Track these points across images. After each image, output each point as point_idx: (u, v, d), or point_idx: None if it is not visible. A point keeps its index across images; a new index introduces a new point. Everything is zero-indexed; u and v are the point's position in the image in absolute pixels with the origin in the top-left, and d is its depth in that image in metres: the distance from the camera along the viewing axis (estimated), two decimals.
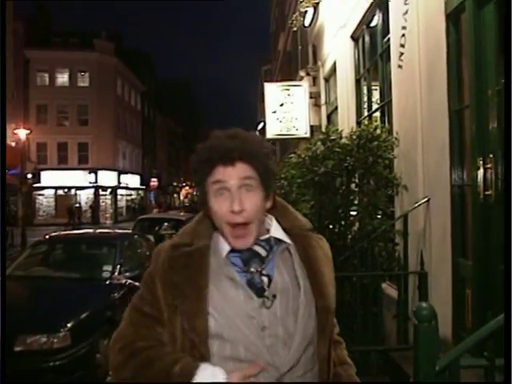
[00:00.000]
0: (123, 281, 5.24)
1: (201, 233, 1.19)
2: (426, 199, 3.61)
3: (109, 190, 34.73)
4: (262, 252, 1.14)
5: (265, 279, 1.12)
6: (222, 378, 1.03)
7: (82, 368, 4.13)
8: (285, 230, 1.21)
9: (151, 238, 7.65)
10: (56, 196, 32.81)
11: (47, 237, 6.92)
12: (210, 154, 1.10)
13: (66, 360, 3.91)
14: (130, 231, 9.33)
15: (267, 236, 1.17)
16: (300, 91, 8.61)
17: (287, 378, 1.07)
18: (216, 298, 1.11)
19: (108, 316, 4.72)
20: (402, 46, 4.02)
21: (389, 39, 4.53)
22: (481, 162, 2.89)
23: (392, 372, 3.33)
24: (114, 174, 34.83)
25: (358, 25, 5.75)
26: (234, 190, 1.09)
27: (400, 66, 4.09)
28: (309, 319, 1.12)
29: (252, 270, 1.12)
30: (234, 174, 1.10)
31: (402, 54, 4.04)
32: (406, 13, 3.91)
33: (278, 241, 1.18)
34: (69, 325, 4.05)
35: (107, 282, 5.19)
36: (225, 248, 1.15)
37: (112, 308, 4.86)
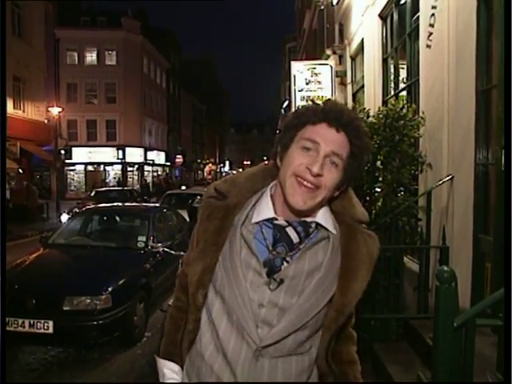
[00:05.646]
0: (160, 249, 5.58)
1: (243, 189, 1.14)
2: (449, 177, 3.71)
3: (136, 167, 35.52)
4: (295, 238, 1.08)
5: (285, 265, 1.07)
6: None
7: (121, 328, 4.47)
8: (335, 213, 1.14)
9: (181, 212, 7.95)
10: (86, 172, 33.81)
11: (84, 209, 7.45)
12: (323, 109, 1.06)
13: (108, 320, 4.25)
14: (159, 205, 9.76)
15: (310, 219, 1.09)
16: (326, 70, 8.61)
17: (265, 353, 1.05)
18: (226, 255, 1.10)
19: (143, 282, 5.06)
20: (432, 25, 4.05)
21: (418, 18, 4.54)
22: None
23: (411, 338, 3.52)
24: (141, 150, 35.46)
25: (387, 3, 5.72)
26: (322, 155, 1.03)
27: (428, 46, 4.13)
28: (309, 309, 1.07)
29: (275, 253, 1.07)
30: (330, 139, 1.03)
31: (430, 33, 4.07)
32: None
33: (321, 227, 1.11)
34: (109, 289, 4.38)
35: (142, 252, 5.53)
36: (266, 213, 1.10)
37: (147, 275, 5.20)
